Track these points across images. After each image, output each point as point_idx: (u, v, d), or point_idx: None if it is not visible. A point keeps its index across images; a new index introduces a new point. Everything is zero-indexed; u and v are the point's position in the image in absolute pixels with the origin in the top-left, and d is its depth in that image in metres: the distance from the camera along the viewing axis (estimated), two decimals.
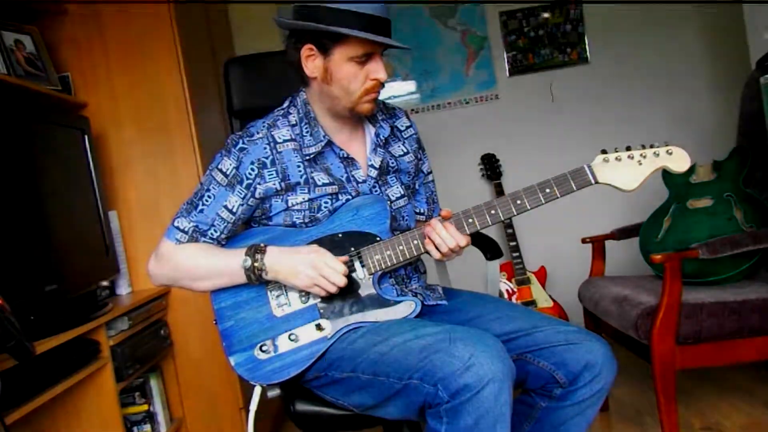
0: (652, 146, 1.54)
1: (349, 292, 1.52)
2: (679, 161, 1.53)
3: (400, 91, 3.77)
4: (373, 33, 1.45)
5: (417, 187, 1.78)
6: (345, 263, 1.50)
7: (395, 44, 1.48)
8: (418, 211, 1.79)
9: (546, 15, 3.69)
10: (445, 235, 1.49)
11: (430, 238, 1.51)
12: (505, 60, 3.75)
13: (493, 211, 1.52)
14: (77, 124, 2.26)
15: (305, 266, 1.47)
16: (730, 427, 2.35)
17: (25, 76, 2.17)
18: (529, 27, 3.72)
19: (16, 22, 2.24)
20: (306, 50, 1.53)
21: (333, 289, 1.48)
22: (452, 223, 1.51)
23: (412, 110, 3.73)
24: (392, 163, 1.68)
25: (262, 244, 1.51)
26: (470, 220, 1.53)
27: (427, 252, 1.54)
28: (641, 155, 1.53)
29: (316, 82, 1.56)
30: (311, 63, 1.54)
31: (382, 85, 1.55)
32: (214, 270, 1.53)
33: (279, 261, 1.49)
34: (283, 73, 1.59)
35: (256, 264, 1.48)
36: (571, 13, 3.70)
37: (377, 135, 1.66)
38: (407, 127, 1.76)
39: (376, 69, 1.51)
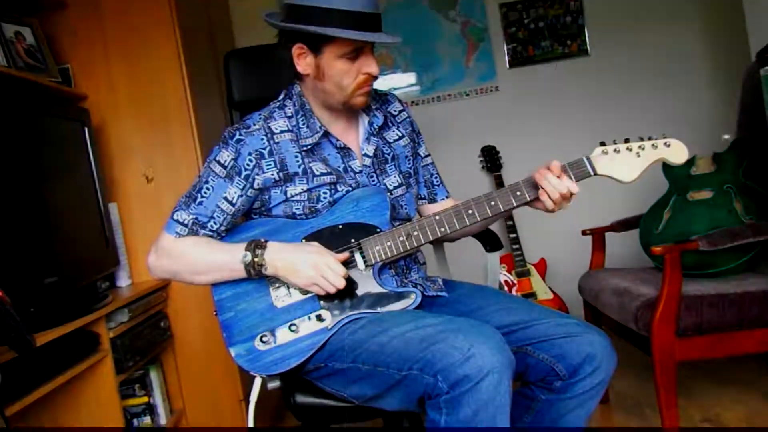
0: (650, 138, 1.53)
1: (349, 283, 1.51)
2: (677, 153, 1.53)
3: (400, 83, 3.76)
4: (361, 29, 1.46)
5: (417, 170, 1.78)
6: (345, 258, 1.50)
7: (382, 40, 1.49)
8: (418, 195, 1.79)
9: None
10: (556, 182, 1.47)
11: (541, 185, 1.49)
12: (505, 52, 3.74)
13: (493, 203, 1.53)
14: (77, 115, 2.25)
15: (306, 266, 1.47)
16: (730, 419, 2.35)
17: (25, 68, 2.16)
18: (529, 19, 3.71)
19: (16, 14, 2.24)
20: (297, 49, 1.54)
21: (332, 290, 1.47)
22: (564, 171, 1.49)
23: (412, 102, 3.73)
24: (387, 150, 1.68)
25: (262, 240, 1.51)
26: (470, 211, 1.53)
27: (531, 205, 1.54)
28: (639, 147, 1.53)
29: (309, 78, 1.58)
30: (303, 60, 1.55)
31: (374, 78, 1.56)
32: (213, 264, 1.53)
33: (279, 257, 1.49)
34: (284, 65, 1.59)
35: (256, 259, 1.48)
36: (571, 5, 3.69)
37: (371, 124, 1.67)
38: (400, 111, 1.77)
39: (368, 63, 1.52)
